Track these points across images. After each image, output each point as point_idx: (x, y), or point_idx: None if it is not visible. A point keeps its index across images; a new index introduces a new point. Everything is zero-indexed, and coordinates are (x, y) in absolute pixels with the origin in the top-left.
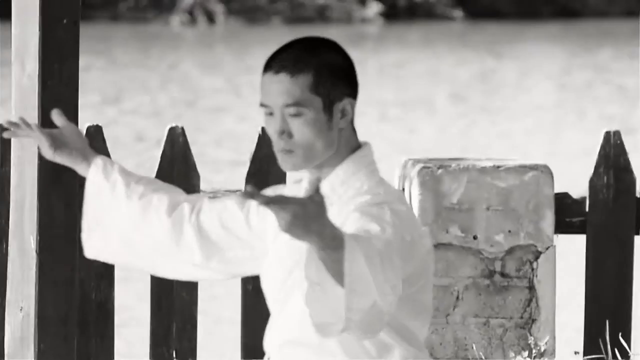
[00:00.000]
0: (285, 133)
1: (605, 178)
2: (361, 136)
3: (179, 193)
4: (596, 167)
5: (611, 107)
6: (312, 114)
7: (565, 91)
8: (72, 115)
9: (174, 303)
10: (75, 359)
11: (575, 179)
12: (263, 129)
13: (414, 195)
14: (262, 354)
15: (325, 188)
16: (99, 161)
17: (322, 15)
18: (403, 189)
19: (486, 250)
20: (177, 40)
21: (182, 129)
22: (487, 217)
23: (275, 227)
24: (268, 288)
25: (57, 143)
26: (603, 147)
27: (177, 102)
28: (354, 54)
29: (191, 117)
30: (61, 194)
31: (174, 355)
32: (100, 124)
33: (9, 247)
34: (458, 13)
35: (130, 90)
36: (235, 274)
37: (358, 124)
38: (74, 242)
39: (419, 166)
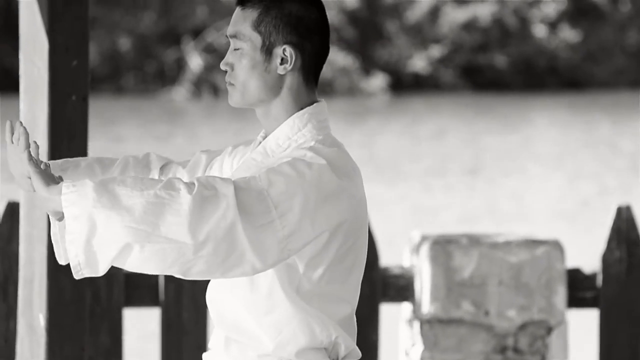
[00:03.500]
0: (228, 64)
1: (617, 253)
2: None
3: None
4: (608, 242)
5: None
6: (248, 50)
7: (566, 160)
8: None
9: None
10: None
11: (584, 251)
12: None
13: (425, 270)
14: None
15: (270, 142)
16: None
17: (327, 87)
18: (414, 264)
19: (498, 325)
20: (181, 114)
21: None
22: (499, 292)
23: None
24: None
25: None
26: (615, 222)
27: None
28: (372, 124)
29: None
30: (70, 271)
31: None
32: None
33: (17, 325)
34: (464, 84)
35: None
36: None
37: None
38: (83, 320)
39: (429, 241)
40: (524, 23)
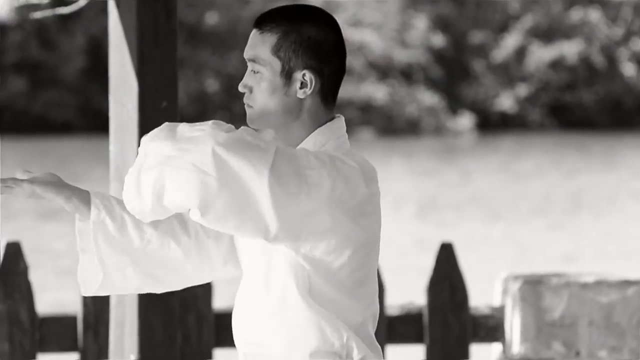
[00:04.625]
0: (247, 87)
1: None
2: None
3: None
4: None
5: None
6: (268, 75)
7: None
8: None
9: None
10: None
11: None
12: None
13: (516, 310)
14: None
15: None
16: (96, 200)
17: (414, 126)
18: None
19: None
20: None
21: None
22: (589, 333)
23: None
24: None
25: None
26: None
27: None
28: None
29: None
30: (161, 312)
31: None
32: None
33: None
34: (551, 122)
35: None
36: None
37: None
38: (174, 359)
39: (519, 281)
40: (612, 61)
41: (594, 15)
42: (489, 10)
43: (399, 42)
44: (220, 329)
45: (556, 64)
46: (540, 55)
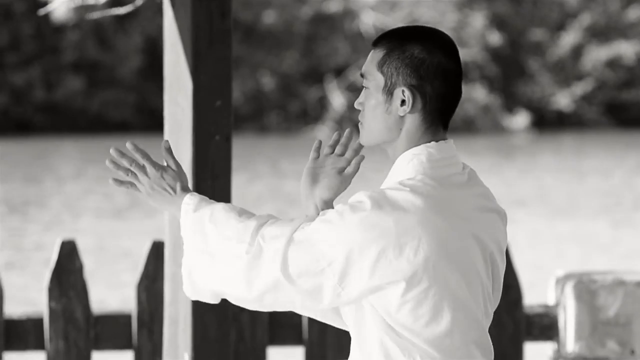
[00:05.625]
0: (360, 104)
1: None
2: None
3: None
4: None
5: None
6: (373, 90)
7: None
8: None
9: None
10: None
11: None
12: None
13: (570, 309)
14: None
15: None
16: (189, 199)
17: (469, 125)
18: (558, 303)
19: None
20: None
21: None
22: None
23: None
24: None
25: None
26: None
27: None
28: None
29: None
30: (215, 310)
31: None
32: None
33: None
34: (608, 121)
35: (268, 199)
36: None
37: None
38: (228, 357)
39: (574, 280)
40: None
41: None
42: (545, 8)
43: (456, 40)
44: (274, 327)
45: (613, 63)
46: (598, 53)
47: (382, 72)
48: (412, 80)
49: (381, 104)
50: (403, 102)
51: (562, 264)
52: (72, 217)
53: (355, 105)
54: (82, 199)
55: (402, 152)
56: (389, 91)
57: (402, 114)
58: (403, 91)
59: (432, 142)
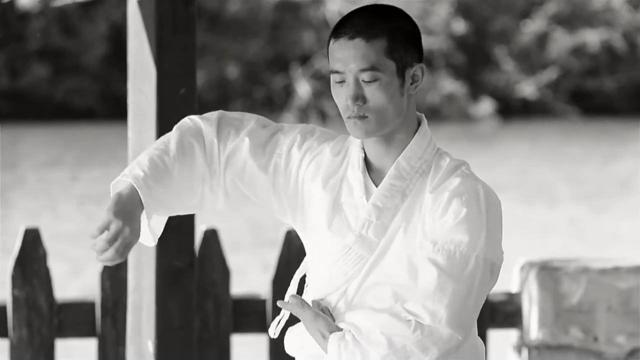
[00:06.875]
0: (360, 98)
1: None
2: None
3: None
4: None
5: None
6: (387, 79)
7: None
8: (190, 219)
9: None
10: None
11: None
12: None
13: (534, 296)
14: None
15: (402, 164)
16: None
17: (435, 113)
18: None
19: (607, 352)
20: None
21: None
22: (607, 319)
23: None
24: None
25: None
26: None
27: None
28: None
29: None
30: (179, 297)
31: None
32: (215, 228)
33: (126, 351)
34: (572, 109)
35: None
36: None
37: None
38: (192, 345)
39: (537, 267)
40: (634, 48)
41: (617, 1)
42: None
43: (421, 28)
44: (238, 315)
45: (578, 51)
46: (563, 41)
47: (392, 59)
48: (417, 55)
49: (397, 89)
50: (414, 78)
51: (538, 252)
52: (54, 203)
53: (354, 101)
54: (65, 185)
55: (411, 130)
56: (401, 74)
57: (412, 92)
58: (415, 69)
59: (423, 116)
